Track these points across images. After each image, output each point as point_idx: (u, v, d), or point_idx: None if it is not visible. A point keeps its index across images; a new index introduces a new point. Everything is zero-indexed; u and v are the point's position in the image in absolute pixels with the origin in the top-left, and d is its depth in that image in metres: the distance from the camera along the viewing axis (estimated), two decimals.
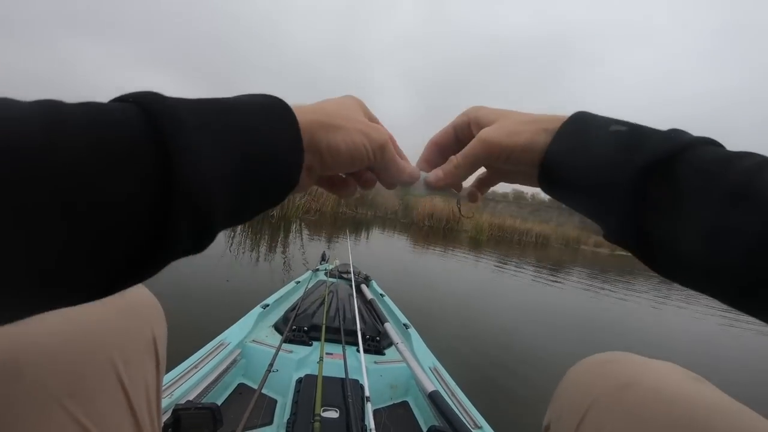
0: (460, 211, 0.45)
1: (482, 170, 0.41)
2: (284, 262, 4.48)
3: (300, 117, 0.28)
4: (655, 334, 4.73)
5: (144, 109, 0.19)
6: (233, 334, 1.46)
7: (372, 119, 0.37)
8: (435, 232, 14.81)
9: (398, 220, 16.79)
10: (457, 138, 0.40)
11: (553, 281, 7.82)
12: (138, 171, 0.18)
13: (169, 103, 0.21)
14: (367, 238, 9.54)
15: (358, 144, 0.31)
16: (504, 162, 0.35)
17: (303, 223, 9.44)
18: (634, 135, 0.28)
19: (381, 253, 7.47)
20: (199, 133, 0.21)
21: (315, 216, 11.15)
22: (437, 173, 0.38)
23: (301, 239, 6.81)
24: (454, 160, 0.37)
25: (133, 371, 0.35)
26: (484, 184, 0.42)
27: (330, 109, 0.31)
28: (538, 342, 3.37)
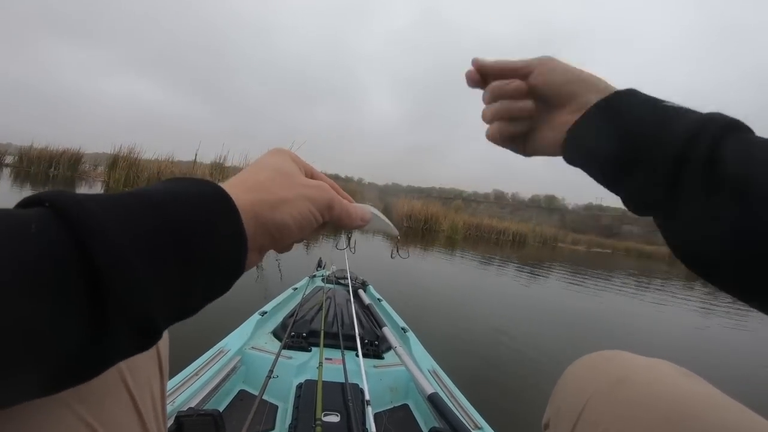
0: (398, 251, 0.48)
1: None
2: (257, 270, 4.46)
3: (239, 200, 0.26)
4: (638, 327, 4.85)
5: (61, 217, 0.18)
6: (232, 342, 1.46)
7: (309, 172, 0.36)
8: (414, 233, 14.90)
9: None
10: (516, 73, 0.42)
11: (537, 278, 7.93)
12: (61, 291, 0.17)
13: (89, 207, 0.19)
14: (349, 240, 9.46)
15: (305, 213, 0.31)
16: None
17: None
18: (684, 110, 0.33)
19: (368, 255, 7.47)
20: (126, 241, 0.20)
21: None
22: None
23: None
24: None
25: (137, 375, 0.34)
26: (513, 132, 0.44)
27: (267, 181, 0.30)
28: (531, 340, 3.41)
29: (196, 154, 11.64)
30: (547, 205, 49.16)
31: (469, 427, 1.08)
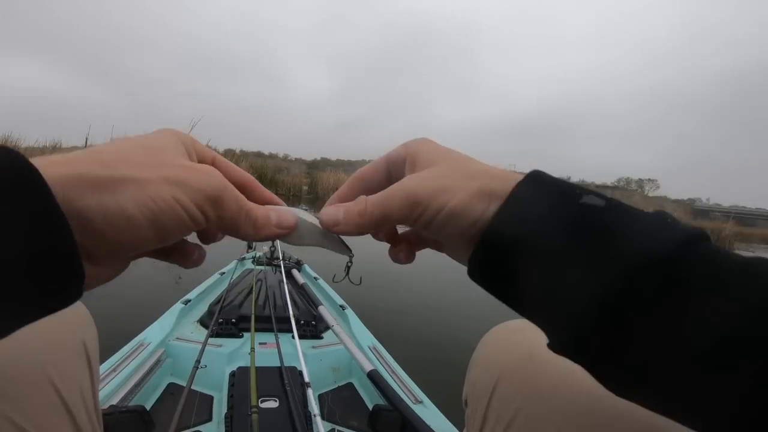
0: (347, 274, 0.34)
1: None
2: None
3: (46, 173, 0.17)
4: None
5: None
6: (153, 334, 1.37)
7: (204, 158, 0.26)
8: None
9: (302, 196, 16.36)
10: (389, 176, 0.29)
11: None
12: None
13: None
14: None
15: (166, 201, 0.20)
16: (423, 228, 0.24)
17: None
18: (617, 216, 0.20)
19: None
20: None
21: None
22: (336, 213, 0.26)
23: None
24: (363, 203, 0.25)
25: (65, 374, 0.33)
26: (419, 241, 0.31)
27: (110, 153, 0.20)
28: (464, 309, 3.53)
29: (86, 139, 10.34)
30: None
31: (410, 402, 1.09)
